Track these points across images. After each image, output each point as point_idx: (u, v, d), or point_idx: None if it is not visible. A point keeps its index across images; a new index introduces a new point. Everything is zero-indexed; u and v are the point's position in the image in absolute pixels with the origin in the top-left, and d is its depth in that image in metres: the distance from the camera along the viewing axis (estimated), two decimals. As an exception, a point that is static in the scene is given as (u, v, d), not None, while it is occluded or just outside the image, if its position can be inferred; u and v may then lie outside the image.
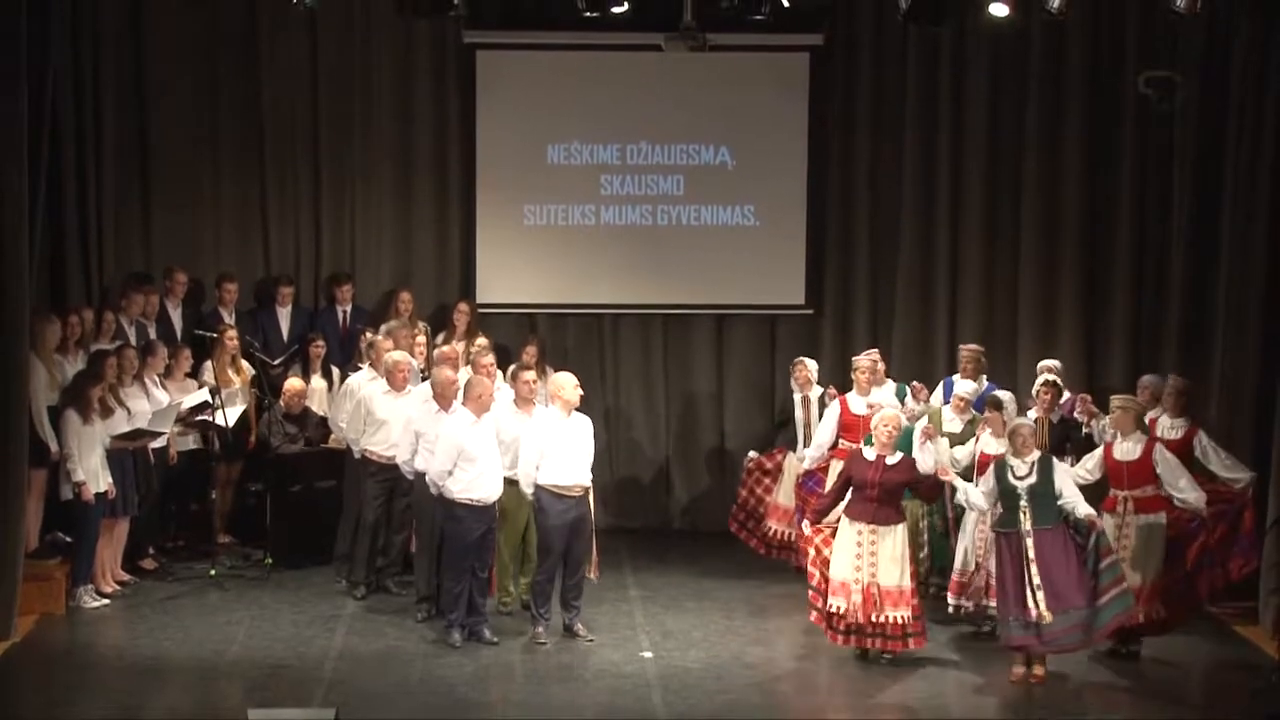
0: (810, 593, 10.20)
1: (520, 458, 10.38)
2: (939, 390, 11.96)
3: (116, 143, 13.15)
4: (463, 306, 13.20)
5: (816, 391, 12.15)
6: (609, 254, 13.66)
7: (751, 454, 12.38)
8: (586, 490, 10.29)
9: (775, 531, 12.17)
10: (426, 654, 10.07)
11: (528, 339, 13.14)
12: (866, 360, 11.68)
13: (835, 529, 10.09)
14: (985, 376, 11.86)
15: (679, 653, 10.21)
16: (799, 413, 12.20)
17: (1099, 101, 13.29)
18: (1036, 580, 9.52)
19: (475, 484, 10.11)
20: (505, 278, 13.64)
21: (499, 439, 10.38)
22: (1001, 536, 9.77)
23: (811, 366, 12.28)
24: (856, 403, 11.52)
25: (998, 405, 10.67)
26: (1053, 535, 9.57)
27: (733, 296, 13.74)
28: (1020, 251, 13.54)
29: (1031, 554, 9.55)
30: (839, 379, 12.40)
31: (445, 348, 11.93)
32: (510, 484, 10.39)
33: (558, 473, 10.19)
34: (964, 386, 11.39)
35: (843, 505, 10.13)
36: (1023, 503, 9.62)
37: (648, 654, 10.16)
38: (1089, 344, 13.38)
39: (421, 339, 12.65)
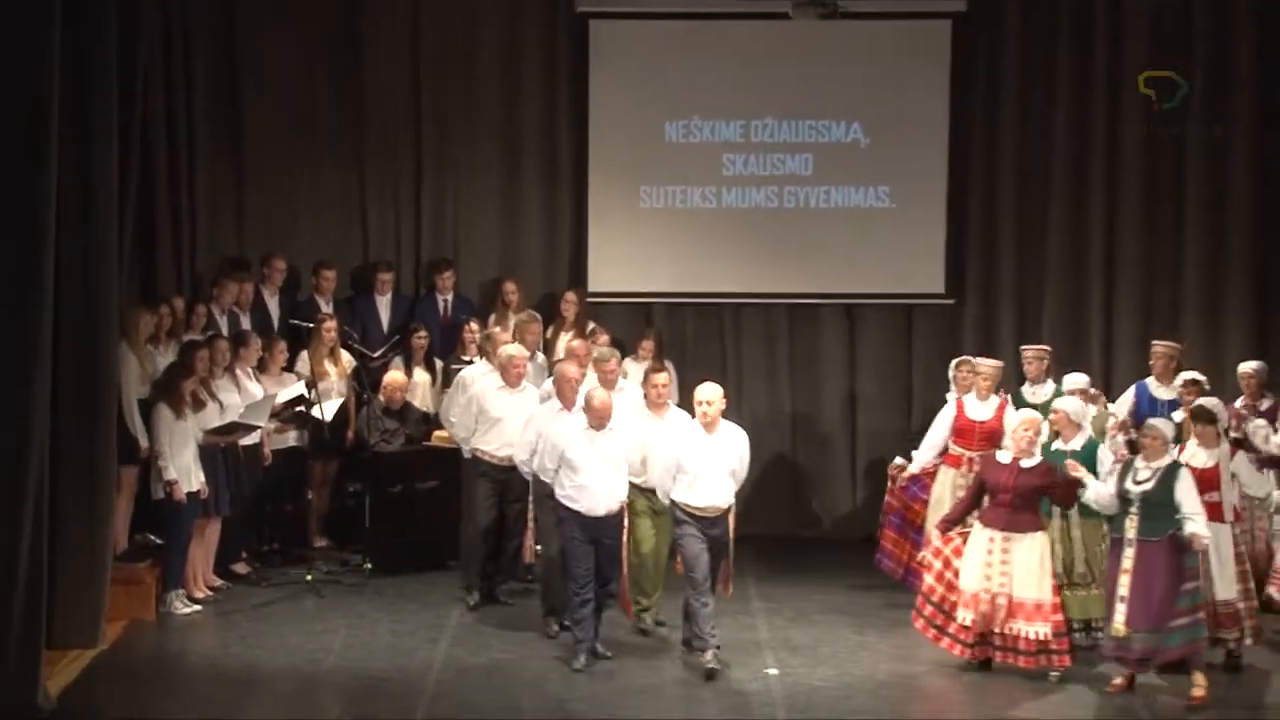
0: (927, 606, 10.14)
1: (650, 467, 10.28)
2: (1130, 394, 11.81)
3: (209, 127, 13.39)
4: (571, 296, 13.24)
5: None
6: (731, 239, 13.66)
7: (898, 460, 12.14)
8: (725, 510, 10.07)
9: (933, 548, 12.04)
10: (536, 668, 10.08)
11: (644, 331, 13.20)
12: (990, 367, 11.50)
13: (967, 536, 10.06)
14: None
15: (806, 670, 10.15)
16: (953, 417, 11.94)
17: (1272, 79, 13.03)
18: (1124, 592, 9.49)
19: (578, 495, 9.98)
20: (619, 265, 13.70)
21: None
22: (1113, 542, 9.77)
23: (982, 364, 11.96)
24: (974, 407, 11.42)
25: (1211, 419, 10.32)
26: (1156, 549, 9.49)
27: (865, 284, 13.72)
28: (1184, 241, 13.38)
29: (1128, 564, 9.51)
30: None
31: (576, 343, 11.82)
32: (638, 492, 10.32)
33: (690, 492, 9.98)
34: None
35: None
36: (1133, 509, 9.55)
37: (772, 671, 10.10)
38: (1262, 339, 13.13)
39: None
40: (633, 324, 13.61)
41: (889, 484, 11.93)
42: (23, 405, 8.94)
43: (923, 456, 11.52)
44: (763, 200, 13.68)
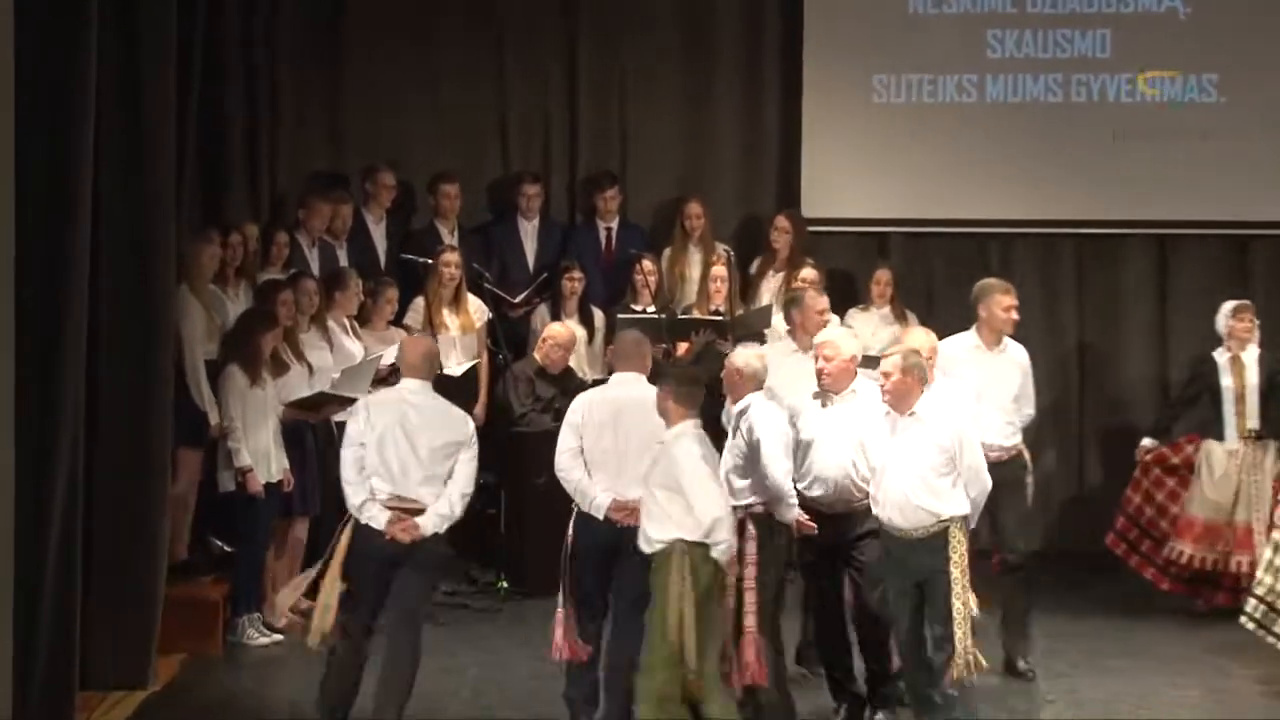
0: None
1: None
2: None
3: (296, 13, 13.63)
4: (784, 222, 13.20)
5: (1253, 352, 12.02)
6: (998, 146, 13.75)
7: (1146, 442, 12.25)
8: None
9: (1187, 556, 12.04)
10: None
11: (876, 267, 13.11)
12: None
13: None
14: None
15: (1102, 733, 10.11)
16: (1226, 379, 12.00)
17: None
18: None
19: None
20: (844, 181, 13.75)
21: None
22: None
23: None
24: None
25: None
26: None
27: (1183, 209, 13.70)
28: None
29: None
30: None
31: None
32: None
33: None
34: None
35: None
36: None
37: (1055, 733, 10.08)
38: None
39: (721, 271, 12.62)
40: (861, 260, 13.63)
41: (1135, 473, 12.10)
42: (51, 371, 9.00)
43: None
44: (1041, 92, 13.72)
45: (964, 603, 9.03)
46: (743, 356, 9.53)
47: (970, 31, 13.63)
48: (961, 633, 9.02)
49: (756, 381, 9.39)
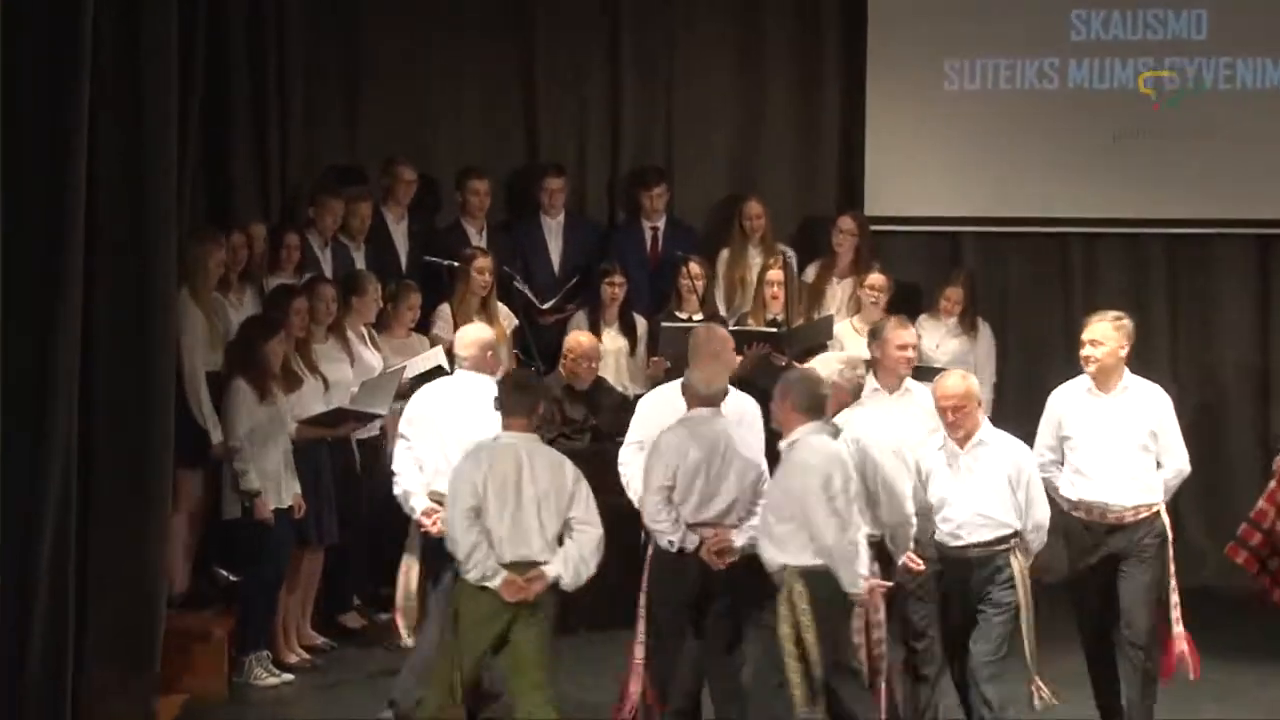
0: None
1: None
2: None
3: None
4: (849, 224, 13.19)
5: None
6: (1082, 137, 13.74)
7: None
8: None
9: None
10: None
11: (950, 274, 13.13)
12: None
13: None
14: None
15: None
16: None
17: None
18: None
19: None
20: (912, 176, 13.81)
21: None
22: None
23: None
24: None
25: None
26: None
27: None
28: None
29: None
30: None
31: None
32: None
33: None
34: None
35: None
36: None
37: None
38: None
39: (778, 275, 12.54)
40: (932, 264, 13.69)
41: (1272, 483, 11.52)
42: (42, 383, 8.96)
43: None
44: (1130, 79, 13.72)
45: (799, 659, 8.91)
46: (697, 370, 9.75)
47: (1052, 11, 13.67)
48: (797, 690, 8.93)
49: (700, 399, 9.52)
